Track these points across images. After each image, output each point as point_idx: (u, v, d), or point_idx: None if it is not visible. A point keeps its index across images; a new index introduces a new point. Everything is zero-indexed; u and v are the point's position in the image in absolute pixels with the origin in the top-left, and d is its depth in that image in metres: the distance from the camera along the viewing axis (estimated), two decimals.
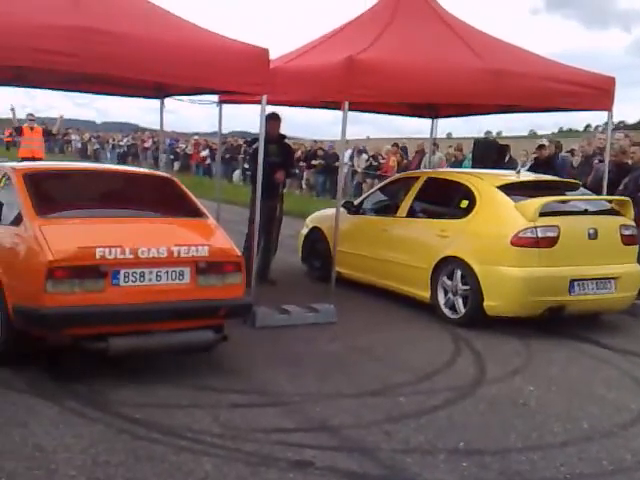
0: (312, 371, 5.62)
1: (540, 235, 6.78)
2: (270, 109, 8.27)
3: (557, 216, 6.95)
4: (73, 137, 43.91)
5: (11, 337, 5.10)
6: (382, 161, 20.87)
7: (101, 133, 46.08)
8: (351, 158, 22.21)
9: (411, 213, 8.01)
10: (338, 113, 7.24)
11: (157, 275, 5.08)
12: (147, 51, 6.04)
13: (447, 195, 7.80)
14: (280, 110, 8.83)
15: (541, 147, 11.17)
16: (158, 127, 9.76)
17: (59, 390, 4.88)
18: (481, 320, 6.98)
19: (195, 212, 5.89)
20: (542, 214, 6.82)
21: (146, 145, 33.72)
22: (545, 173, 9.05)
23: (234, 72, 6.50)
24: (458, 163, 15.26)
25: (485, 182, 7.53)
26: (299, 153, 25.27)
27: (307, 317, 7.04)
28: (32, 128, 15.48)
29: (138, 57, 6.00)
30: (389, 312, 7.75)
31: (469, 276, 7.02)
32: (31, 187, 5.45)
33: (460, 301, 7.14)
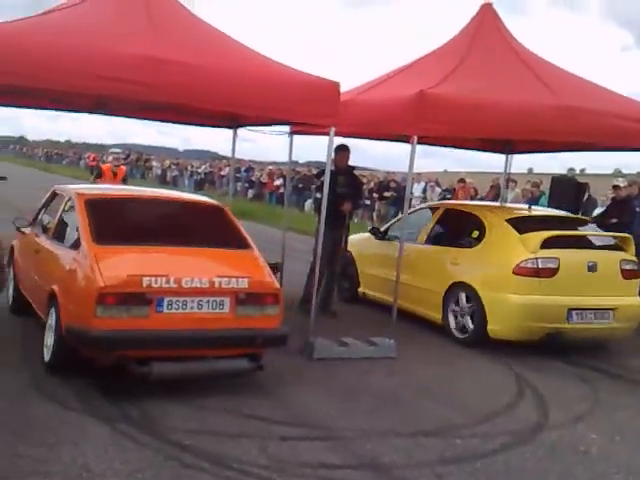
0: (366, 406, 5.52)
1: (541, 266, 7.23)
2: (341, 140, 8.34)
3: (558, 248, 7.32)
4: (154, 164, 45.22)
5: (62, 351, 5.44)
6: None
7: (180, 160, 47.35)
8: (424, 191, 22.03)
9: (429, 240, 8.56)
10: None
11: (199, 304, 5.32)
12: (221, 82, 6.17)
13: (461, 225, 8.31)
14: (355, 142, 8.88)
15: (616, 187, 10.80)
16: (236, 155, 9.99)
17: (112, 411, 4.94)
18: (484, 342, 7.42)
19: (241, 243, 6.08)
20: (544, 246, 7.24)
21: (222, 173, 34.37)
22: (620, 214, 8.75)
23: (305, 104, 6.57)
24: (535, 200, 14.93)
25: (496, 215, 8.16)
26: (372, 184, 25.28)
27: (366, 351, 6.93)
28: (115, 173, 12.94)
29: (212, 88, 6.15)
30: (448, 349, 7.58)
31: (475, 301, 7.49)
32: (91, 213, 5.81)
33: (469, 321, 7.62)
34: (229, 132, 9.30)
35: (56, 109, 8.76)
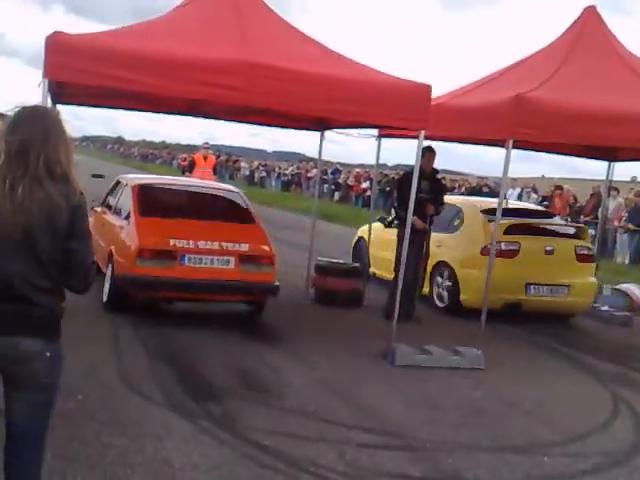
0: (450, 418, 5.37)
1: (503, 248, 8.63)
2: (432, 144, 8.20)
3: (520, 235, 8.90)
4: (242, 164, 45.95)
5: (114, 293, 7.34)
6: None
7: (268, 162, 47.95)
8: (519, 197, 21.42)
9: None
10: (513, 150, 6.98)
11: (211, 260, 7.18)
12: (310, 86, 6.16)
13: (447, 215, 9.44)
14: (445, 145, 8.72)
15: None
16: (324, 157, 10.00)
17: (195, 408, 4.98)
18: (459, 310, 8.89)
19: (249, 219, 7.96)
20: (507, 232, 8.71)
21: (309, 175, 34.55)
22: None
23: (395, 108, 6.49)
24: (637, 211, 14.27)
25: (473, 207, 9.77)
26: (463, 189, 24.84)
27: (451, 360, 6.76)
28: (206, 157, 15.52)
29: (304, 93, 6.15)
30: (538, 361, 7.35)
31: (452, 276, 9.11)
32: (138, 195, 7.75)
33: (445, 294, 9.25)
34: (317, 134, 9.30)
35: (150, 111, 8.98)
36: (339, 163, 36.83)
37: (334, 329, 7.84)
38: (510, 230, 8.77)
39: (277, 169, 41.34)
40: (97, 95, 7.83)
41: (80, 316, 6.34)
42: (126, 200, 7.90)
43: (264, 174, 41.69)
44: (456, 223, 9.54)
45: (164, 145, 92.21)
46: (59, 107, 7.66)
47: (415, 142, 6.81)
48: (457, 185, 26.84)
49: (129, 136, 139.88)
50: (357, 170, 33.65)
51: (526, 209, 10.78)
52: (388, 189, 27.09)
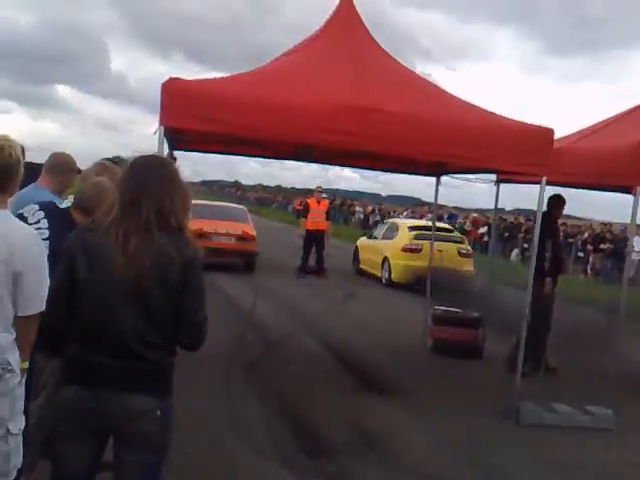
0: None
1: (413, 247, 15.10)
2: (553, 190, 7.89)
3: (424, 240, 14.09)
4: (357, 209, 46.20)
5: None
6: None
7: (383, 205, 47.96)
8: None
9: (382, 237, 16.99)
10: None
11: (223, 238, 15.31)
12: (425, 131, 5.98)
13: (392, 229, 16.86)
14: (566, 190, 8.41)
15: None
16: (440, 202, 9.94)
17: (307, 464, 4.85)
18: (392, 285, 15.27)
19: (246, 220, 16.65)
20: (416, 238, 15.20)
21: (425, 219, 34.18)
22: None
23: (515, 153, 6.21)
24: None
25: (405, 224, 16.92)
26: (586, 235, 23.81)
27: (579, 420, 6.30)
28: (319, 202, 16.06)
29: (416, 137, 5.96)
30: None
31: (390, 265, 15.54)
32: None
33: (386, 275, 15.74)
34: (432, 178, 9.14)
35: (263, 156, 9.06)
36: (455, 207, 36.32)
37: (453, 383, 7.46)
38: (418, 237, 15.17)
39: (392, 213, 41.25)
40: (212, 141, 8.00)
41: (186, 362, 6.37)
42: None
43: (378, 218, 41.68)
44: (395, 233, 16.37)
45: (279, 189, 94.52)
46: (176, 153, 7.89)
47: (535, 187, 6.54)
48: (579, 231, 25.74)
49: (246, 180, 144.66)
50: (474, 215, 33.03)
51: (441, 227, 15.98)
52: (507, 235, 26.38)
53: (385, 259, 15.84)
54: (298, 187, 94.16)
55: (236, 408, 5.88)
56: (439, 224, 15.92)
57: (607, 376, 6.66)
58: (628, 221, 7.08)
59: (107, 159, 4.23)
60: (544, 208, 6.80)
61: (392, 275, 15.28)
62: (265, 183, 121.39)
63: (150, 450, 2.60)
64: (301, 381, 6.85)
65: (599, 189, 9.44)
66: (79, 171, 4.42)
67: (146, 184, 2.60)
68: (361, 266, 17.52)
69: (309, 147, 7.64)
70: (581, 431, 6.14)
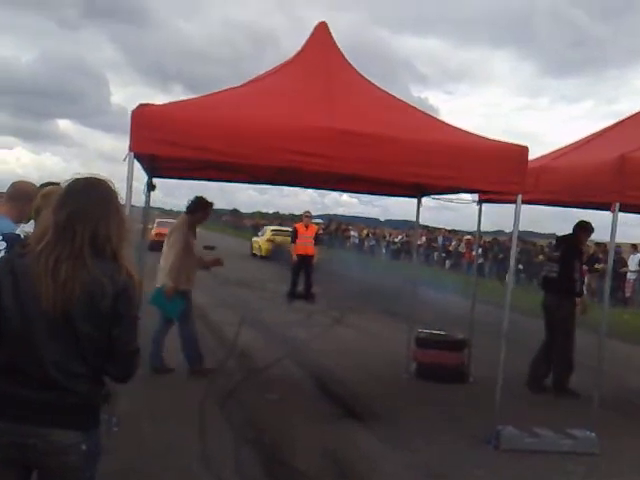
0: None
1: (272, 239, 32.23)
2: (527, 208, 7.87)
3: (278, 236, 31.75)
4: (352, 233, 46.18)
5: None
6: None
7: (377, 230, 47.90)
8: None
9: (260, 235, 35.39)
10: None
11: None
12: (403, 153, 5.90)
13: (264, 231, 35.60)
14: (542, 209, 8.37)
15: None
16: (439, 225, 10.06)
17: None
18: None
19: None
20: (273, 234, 33.09)
21: (419, 242, 34.15)
22: None
23: (490, 172, 6.14)
24: None
25: (269, 228, 35.70)
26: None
27: (561, 444, 6.14)
28: (307, 226, 16.01)
29: (390, 158, 5.88)
30: None
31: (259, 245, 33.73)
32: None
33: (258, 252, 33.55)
34: (429, 201, 9.07)
35: (238, 181, 8.91)
36: (451, 230, 36.27)
37: (436, 408, 7.28)
38: (273, 234, 33.16)
39: (387, 236, 41.22)
40: (188, 168, 7.93)
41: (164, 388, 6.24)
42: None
43: (373, 242, 41.67)
44: (264, 232, 34.07)
45: (277, 216, 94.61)
46: (156, 180, 7.80)
47: (532, 207, 6.50)
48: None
49: (244, 208, 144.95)
50: (467, 237, 32.95)
51: (284, 230, 28.84)
52: (501, 256, 26.26)
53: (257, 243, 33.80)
54: (296, 213, 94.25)
55: (208, 437, 5.74)
56: (285, 228, 32.24)
57: (591, 398, 6.49)
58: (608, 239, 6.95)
59: (48, 183, 4.13)
60: (520, 228, 6.69)
61: (262, 252, 31.97)
62: (263, 210, 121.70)
63: None
64: (279, 409, 6.70)
65: (579, 207, 9.37)
66: None
67: (82, 208, 2.48)
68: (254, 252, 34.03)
69: (284, 170, 7.55)
70: (564, 456, 5.97)
